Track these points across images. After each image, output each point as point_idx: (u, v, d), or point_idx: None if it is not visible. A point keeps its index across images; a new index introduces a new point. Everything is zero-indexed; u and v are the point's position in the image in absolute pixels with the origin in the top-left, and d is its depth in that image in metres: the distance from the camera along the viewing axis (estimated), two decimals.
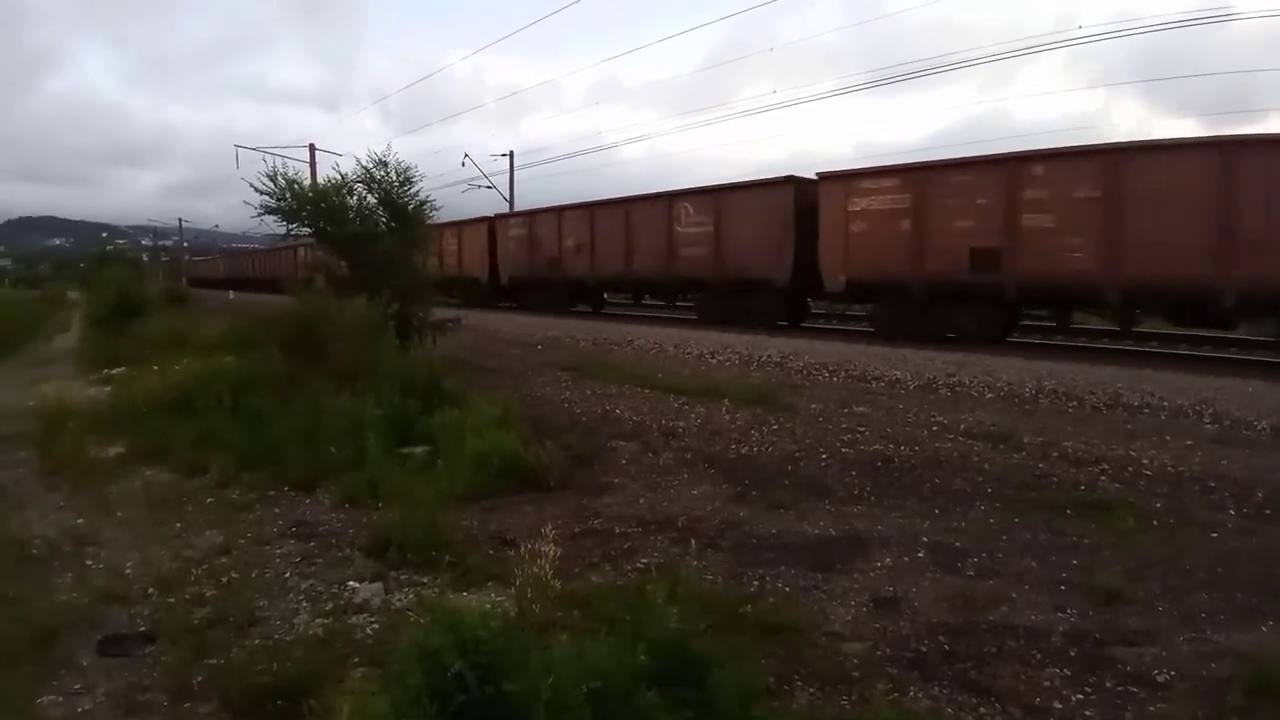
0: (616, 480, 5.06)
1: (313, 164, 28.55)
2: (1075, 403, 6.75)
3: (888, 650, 2.82)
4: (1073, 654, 2.75)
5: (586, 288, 19.07)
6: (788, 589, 3.38)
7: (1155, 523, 4.01)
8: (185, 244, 72.12)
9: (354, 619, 3.18)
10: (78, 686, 2.71)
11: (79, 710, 2.57)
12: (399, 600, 3.36)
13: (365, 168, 9.23)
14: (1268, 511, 4.12)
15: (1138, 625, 2.96)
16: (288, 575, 3.67)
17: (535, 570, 2.86)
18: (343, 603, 3.34)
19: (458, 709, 2.03)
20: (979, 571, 3.51)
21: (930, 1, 21.33)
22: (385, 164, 9.24)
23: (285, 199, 8.82)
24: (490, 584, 3.40)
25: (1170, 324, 12.17)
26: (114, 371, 10.24)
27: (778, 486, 4.76)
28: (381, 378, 6.62)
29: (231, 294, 34.12)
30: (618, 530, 4.14)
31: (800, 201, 13.51)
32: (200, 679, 2.71)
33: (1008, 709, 2.44)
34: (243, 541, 4.11)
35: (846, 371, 8.49)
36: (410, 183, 9.39)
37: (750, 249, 14.28)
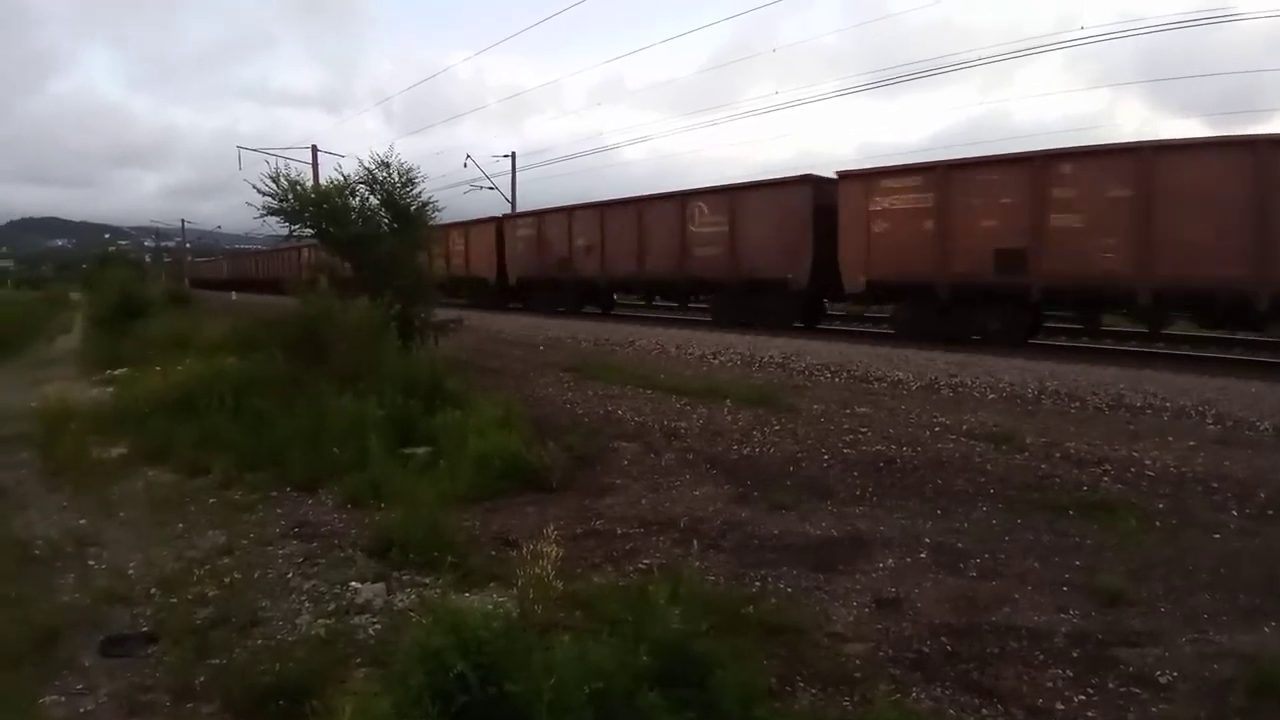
0: (618, 481, 5.06)
1: (315, 165, 28.62)
2: (1078, 403, 6.74)
3: (890, 651, 2.82)
4: (1075, 655, 2.74)
5: (597, 288, 18.85)
6: (790, 590, 3.38)
7: (1158, 523, 4.00)
8: (188, 245, 72.25)
9: (356, 619, 3.18)
10: (80, 687, 2.71)
11: (81, 711, 2.57)
12: (401, 601, 3.36)
13: (367, 169, 9.27)
14: (1270, 512, 4.11)
15: (1140, 626, 2.95)
16: (290, 576, 3.68)
17: (537, 571, 2.86)
18: (345, 603, 3.34)
19: (460, 709, 2.03)
20: (981, 572, 3.51)
21: (931, 2, 21.27)
22: (387, 165, 9.28)
23: (288, 200, 8.84)
24: (492, 585, 3.40)
25: (1197, 327, 11.94)
26: (116, 372, 10.26)
27: (780, 487, 4.76)
28: (384, 378, 6.63)
29: (234, 295, 34.18)
30: (620, 531, 4.14)
31: (818, 201, 13.34)
32: (203, 679, 2.71)
33: (1010, 710, 2.44)
34: (245, 542, 4.12)
35: (848, 372, 8.49)
36: (412, 184, 9.43)
37: (767, 249, 14.08)
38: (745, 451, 5.55)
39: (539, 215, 20.53)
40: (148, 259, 68.45)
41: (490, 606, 2.67)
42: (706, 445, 5.73)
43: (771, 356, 9.68)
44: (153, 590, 3.49)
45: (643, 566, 3.62)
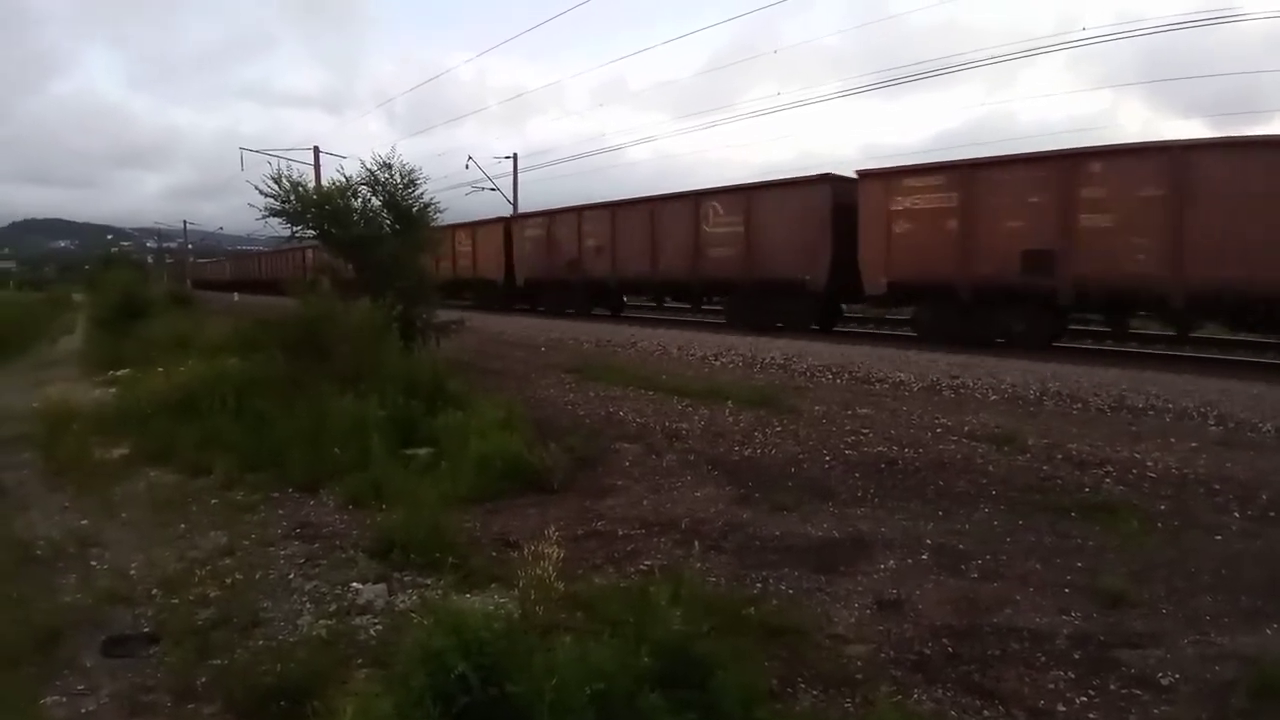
0: (620, 482, 5.06)
1: (317, 166, 28.66)
2: (1079, 405, 6.74)
3: (891, 652, 2.81)
4: (1077, 656, 2.74)
5: (607, 289, 18.60)
6: (791, 591, 3.38)
7: (1160, 525, 4.00)
8: (190, 246, 72.37)
9: (357, 620, 3.18)
10: (81, 687, 2.71)
11: (82, 711, 2.57)
12: (402, 602, 3.36)
13: (370, 170, 9.28)
14: (1272, 514, 4.10)
15: (1142, 628, 2.95)
16: (291, 576, 3.68)
17: (538, 572, 2.86)
18: (346, 604, 3.34)
19: (461, 710, 2.03)
20: (983, 574, 3.50)
21: (934, 3, 21.26)
22: (389, 166, 9.28)
23: (290, 201, 8.85)
24: (493, 586, 3.39)
25: (1228, 330, 11.71)
26: (119, 373, 10.27)
27: (781, 488, 4.76)
28: (385, 379, 6.63)
29: (236, 296, 34.22)
30: (621, 532, 4.14)
31: (837, 200, 13.14)
32: (204, 680, 2.71)
33: (1011, 712, 2.44)
34: (247, 543, 4.12)
35: (850, 373, 8.48)
36: (414, 185, 9.43)
37: (783, 249, 13.87)
38: (747, 453, 5.54)
39: (548, 215, 20.19)
40: (150, 260, 68.56)
41: (492, 607, 2.67)
42: (708, 446, 5.73)
43: (773, 358, 9.69)
44: (154, 591, 3.49)
45: (644, 568, 3.62)
